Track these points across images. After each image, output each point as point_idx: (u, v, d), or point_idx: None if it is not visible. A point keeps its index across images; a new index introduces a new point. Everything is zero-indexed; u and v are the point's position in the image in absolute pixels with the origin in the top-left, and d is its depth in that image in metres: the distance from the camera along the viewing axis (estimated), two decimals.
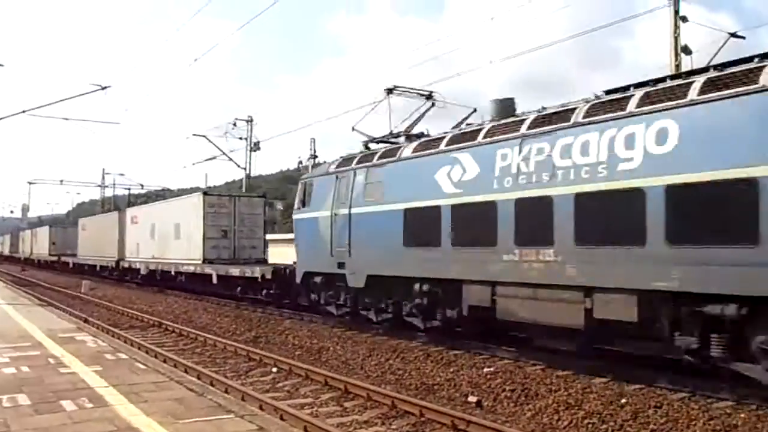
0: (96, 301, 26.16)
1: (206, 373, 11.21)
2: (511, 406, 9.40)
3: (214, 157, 39.42)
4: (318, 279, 17.03)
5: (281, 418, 8.02)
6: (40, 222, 74.83)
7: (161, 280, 29.72)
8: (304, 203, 17.77)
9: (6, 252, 79.70)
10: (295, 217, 18.44)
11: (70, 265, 46.77)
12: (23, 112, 21.77)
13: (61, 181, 61.89)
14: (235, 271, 22.51)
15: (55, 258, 51.99)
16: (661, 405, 8.56)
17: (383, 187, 14.54)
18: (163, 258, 29.22)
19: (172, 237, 28.61)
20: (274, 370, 12.11)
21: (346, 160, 16.47)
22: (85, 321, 17.29)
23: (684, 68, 17.52)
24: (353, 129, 17.29)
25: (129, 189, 63.57)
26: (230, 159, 39.13)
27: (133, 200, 62.06)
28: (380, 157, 15.05)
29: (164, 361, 11.70)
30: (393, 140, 16.33)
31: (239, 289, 22.46)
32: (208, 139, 38.21)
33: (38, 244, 59.44)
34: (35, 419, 6.13)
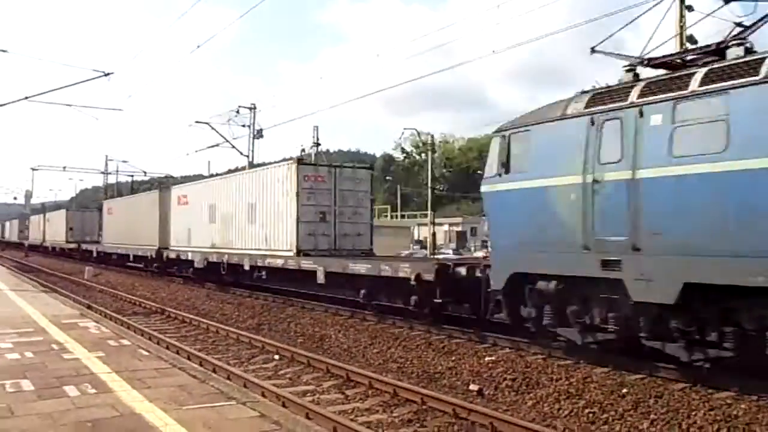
0: (99, 287, 26.27)
1: (209, 360, 11.27)
2: (512, 395, 9.44)
3: (217, 145, 39.51)
4: (546, 285, 10.62)
5: (283, 405, 8.05)
6: (44, 208, 74.35)
7: (226, 275, 23.23)
8: (507, 167, 11.50)
9: (14, 239, 74.59)
10: (488, 189, 12.00)
11: (94, 255, 40.76)
12: (26, 98, 21.81)
13: (64, 167, 61.55)
14: (360, 268, 15.80)
15: (73, 246, 46.11)
16: (662, 395, 8.58)
17: (734, 127, 8.14)
18: (229, 248, 22.81)
19: (243, 221, 22.05)
20: (276, 357, 12.16)
21: (609, 93, 10.16)
22: (89, 307, 17.37)
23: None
24: (593, 51, 11.15)
25: (132, 176, 63.85)
26: (233, 146, 39.21)
27: (137, 187, 62.17)
28: (707, 80, 8.70)
29: (167, 348, 11.76)
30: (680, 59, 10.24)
31: (363, 293, 15.90)
32: (211, 126, 38.26)
33: (53, 230, 53.62)
34: (39, 404, 6.17)
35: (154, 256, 29.70)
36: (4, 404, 6.11)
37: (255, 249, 21.09)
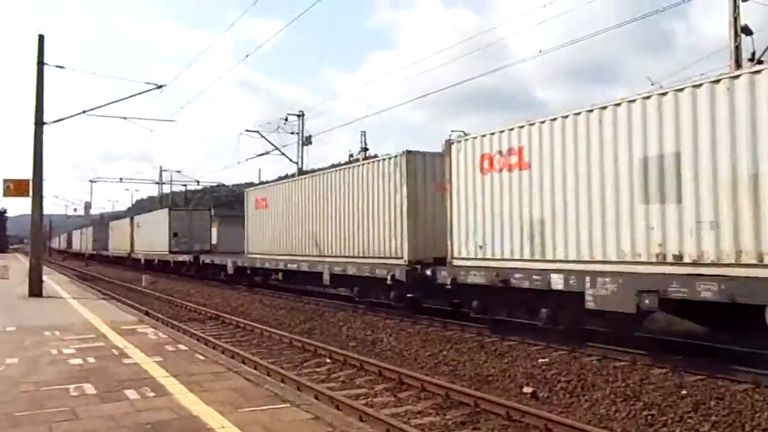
0: (156, 294, 26.90)
1: (263, 364, 11.42)
2: (567, 398, 9.29)
3: (267, 152, 40.21)
4: None
5: (337, 408, 8.11)
6: (102, 219, 75.85)
7: None
8: None
9: (89, 249, 65.85)
10: None
11: (228, 271, 27.70)
12: (83, 112, 22.39)
13: (121, 179, 63.48)
14: None
15: (184, 258, 34.41)
16: (723, 396, 8.35)
17: None
18: None
19: None
20: (329, 361, 12.25)
21: None
22: (146, 314, 17.77)
23: (744, 50, 16.92)
24: None
25: (185, 185, 65.21)
26: (283, 153, 39.78)
27: (190, 196, 63.49)
28: None
29: (222, 352, 11.96)
30: None
31: None
32: (260, 134, 38.96)
33: (146, 238, 42.45)
34: (101, 407, 6.35)
35: (402, 278, 16.05)
36: (68, 407, 6.31)
37: None
